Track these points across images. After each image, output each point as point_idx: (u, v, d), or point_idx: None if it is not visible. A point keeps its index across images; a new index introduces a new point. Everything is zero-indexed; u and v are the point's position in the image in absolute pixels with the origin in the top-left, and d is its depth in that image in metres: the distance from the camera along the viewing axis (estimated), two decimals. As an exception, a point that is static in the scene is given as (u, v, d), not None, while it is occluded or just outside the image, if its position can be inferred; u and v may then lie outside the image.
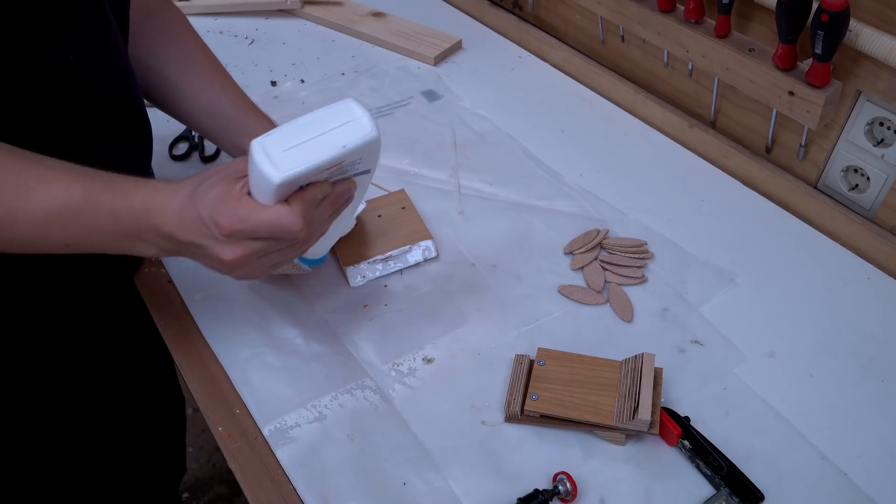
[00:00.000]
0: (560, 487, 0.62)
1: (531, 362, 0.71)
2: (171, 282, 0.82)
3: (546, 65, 1.13)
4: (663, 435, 0.66)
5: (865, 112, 0.82)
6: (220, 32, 1.20)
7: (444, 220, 0.88)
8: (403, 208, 0.86)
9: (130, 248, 0.60)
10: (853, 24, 0.75)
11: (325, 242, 0.74)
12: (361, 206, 0.82)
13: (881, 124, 0.82)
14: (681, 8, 0.92)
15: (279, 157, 0.54)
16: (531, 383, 0.68)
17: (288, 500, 0.64)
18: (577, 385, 0.68)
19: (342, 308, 0.78)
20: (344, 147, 0.56)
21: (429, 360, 0.74)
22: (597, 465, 0.65)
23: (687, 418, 0.67)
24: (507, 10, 1.21)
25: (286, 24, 1.22)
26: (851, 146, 0.85)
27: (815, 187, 0.90)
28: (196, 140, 0.98)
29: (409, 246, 0.82)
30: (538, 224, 0.87)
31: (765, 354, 0.74)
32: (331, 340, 0.75)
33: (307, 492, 0.64)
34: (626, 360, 0.69)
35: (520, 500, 0.62)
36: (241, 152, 0.74)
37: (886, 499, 0.63)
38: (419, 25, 1.19)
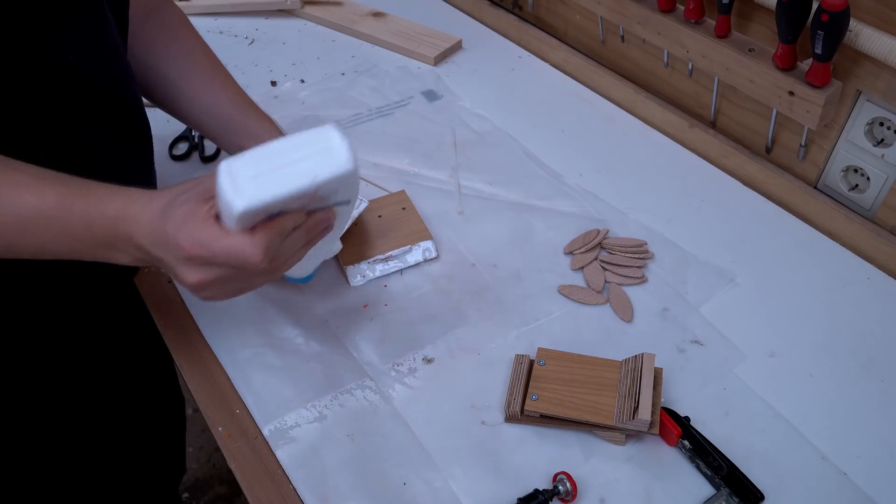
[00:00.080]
0: (560, 487, 0.62)
1: (531, 362, 0.71)
2: (170, 282, 0.82)
3: (546, 65, 1.13)
4: (663, 435, 0.66)
5: (865, 112, 0.82)
6: (220, 32, 1.20)
7: (444, 220, 0.88)
8: (404, 208, 0.86)
9: (106, 255, 0.58)
10: (853, 24, 0.75)
11: (310, 263, 0.72)
12: (359, 209, 0.82)
13: (881, 124, 0.82)
14: (681, 8, 0.92)
15: (245, 183, 0.51)
16: (531, 383, 0.68)
17: (288, 500, 0.64)
18: (577, 385, 0.68)
19: (342, 308, 0.78)
20: (314, 179, 0.53)
21: (429, 360, 0.74)
22: (597, 465, 0.65)
23: (687, 418, 0.67)
24: (507, 10, 1.21)
25: (286, 24, 1.22)
26: (851, 146, 0.85)
27: (815, 187, 0.90)
28: (196, 140, 0.98)
29: (409, 246, 0.82)
30: (538, 224, 0.87)
31: (765, 354, 0.74)
32: (331, 340, 0.75)
33: (307, 492, 0.64)
34: (626, 360, 0.69)
35: (520, 500, 0.62)
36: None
37: (886, 499, 0.63)
38: (419, 25, 1.19)
